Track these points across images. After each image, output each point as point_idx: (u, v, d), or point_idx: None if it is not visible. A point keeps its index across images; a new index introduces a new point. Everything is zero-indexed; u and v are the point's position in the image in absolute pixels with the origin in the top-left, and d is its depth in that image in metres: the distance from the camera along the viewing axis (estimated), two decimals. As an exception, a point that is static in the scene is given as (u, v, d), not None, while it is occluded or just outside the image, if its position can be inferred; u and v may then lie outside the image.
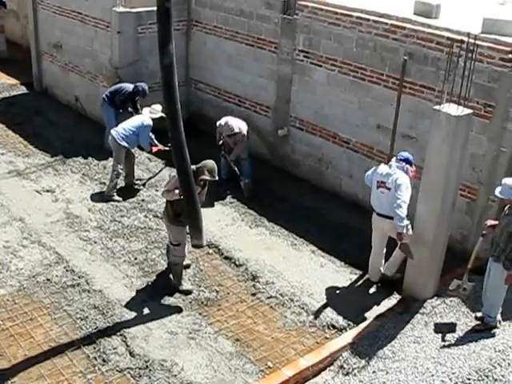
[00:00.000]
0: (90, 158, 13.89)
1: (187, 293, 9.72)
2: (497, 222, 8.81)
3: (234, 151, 12.73)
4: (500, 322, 8.93)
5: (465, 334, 8.84)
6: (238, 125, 12.69)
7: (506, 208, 8.66)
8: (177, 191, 9.19)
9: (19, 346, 8.60)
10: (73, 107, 16.57)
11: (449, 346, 8.55)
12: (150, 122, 12.49)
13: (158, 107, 12.64)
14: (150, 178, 13.12)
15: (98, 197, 12.44)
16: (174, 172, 9.51)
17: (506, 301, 9.44)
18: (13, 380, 8.02)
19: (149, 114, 12.57)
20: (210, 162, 9.42)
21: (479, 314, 9.11)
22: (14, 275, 9.98)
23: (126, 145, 12.31)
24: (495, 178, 10.11)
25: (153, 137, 12.84)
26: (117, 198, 12.39)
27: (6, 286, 9.73)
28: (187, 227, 9.51)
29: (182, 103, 15.28)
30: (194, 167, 9.25)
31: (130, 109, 13.58)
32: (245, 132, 12.75)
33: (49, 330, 8.91)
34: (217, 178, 9.47)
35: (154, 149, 12.98)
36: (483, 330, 8.81)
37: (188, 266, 10.21)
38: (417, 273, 9.42)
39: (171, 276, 9.90)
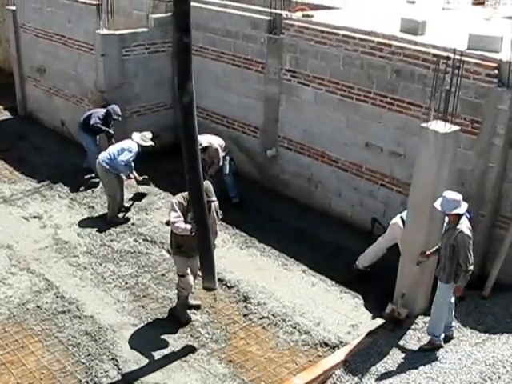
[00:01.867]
0: (77, 183, 13.83)
1: (186, 323, 9.53)
2: (432, 250, 8.93)
3: (211, 167, 12.67)
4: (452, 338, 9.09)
5: (456, 348, 8.84)
6: (208, 139, 12.58)
7: (446, 224, 8.75)
8: (183, 226, 8.88)
9: (11, 374, 8.50)
10: (59, 131, 16.54)
11: (440, 361, 8.57)
12: (135, 148, 12.39)
13: (148, 135, 12.62)
14: (132, 204, 13.07)
15: (92, 222, 12.43)
16: (172, 198, 9.24)
17: (495, 315, 9.57)
18: (5, 409, 7.95)
19: (139, 141, 12.48)
20: (205, 183, 9.17)
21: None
22: (4, 303, 9.88)
23: (111, 170, 12.26)
24: (484, 193, 10.19)
25: (132, 165, 12.62)
26: (121, 219, 12.40)
27: (-5, 314, 9.66)
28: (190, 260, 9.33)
29: (170, 126, 15.61)
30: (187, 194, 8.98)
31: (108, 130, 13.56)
32: (217, 146, 12.64)
33: (40, 357, 8.81)
34: (214, 199, 9.15)
35: (131, 175, 12.71)
36: (431, 350, 8.87)
37: (198, 307, 9.92)
38: (412, 286, 9.41)
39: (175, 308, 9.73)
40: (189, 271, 9.38)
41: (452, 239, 8.46)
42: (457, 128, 8.93)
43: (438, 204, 8.48)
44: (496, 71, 9.77)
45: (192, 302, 9.90)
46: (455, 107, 8.77)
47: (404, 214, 9.90)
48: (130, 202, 13.07)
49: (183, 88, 8.03)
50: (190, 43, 7.88)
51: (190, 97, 8.05)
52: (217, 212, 9.40)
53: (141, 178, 12.76)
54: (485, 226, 10.32)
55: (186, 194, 9.01)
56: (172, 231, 9.16)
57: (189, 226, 8.82)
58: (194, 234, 8.77)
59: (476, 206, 10.28)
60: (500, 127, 9.82)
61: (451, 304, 9.01)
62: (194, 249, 9.09)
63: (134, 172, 12.65)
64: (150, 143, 12.41)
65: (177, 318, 9.56)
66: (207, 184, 9.19)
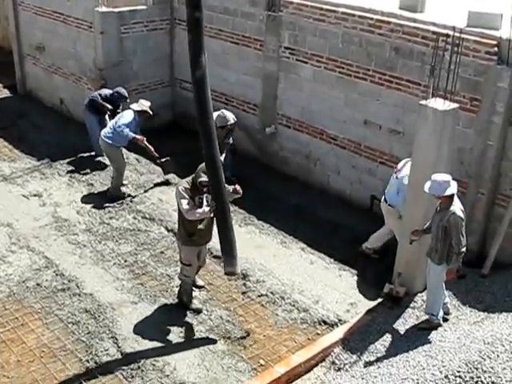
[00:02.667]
0: (76, 161, 13.83)
1: (198, 311, 9.39)
2: (424, 228, 8.89)
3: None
4: (449, 314, 9.12)
5: (455, 327, 8.87)
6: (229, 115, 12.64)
7: (438, 205, 8.64)
8: (200, 211, 8.65)
9: (11, 351, 8.56)
10: (58, 110, 16.48)
11: (439, 340, 8.59)
12: (131, 115, 12.36)
13: (145, 103, 12.55)
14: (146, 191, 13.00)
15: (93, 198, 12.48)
16: (178, 185, 8.92)
17: (494, 293, 9.57)
18: (6, 386, 8.01)
19: (135, 107, 12.44)
20: (202, 165, 8.81)
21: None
22: (4, 281, 9.92)
23: (114, 143, 12.27)
24: (483, 172, 10.18)
25: (131, 134, 12.40)
26: (122, 194, 12.46)
27: (-5, 292, 9.71)
28: (201, 249, 9.28)
29: (168, 103, 15.58)
30: (191, 177, 8.83)
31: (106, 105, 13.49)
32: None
33: (40, 335, 8.87)
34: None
35: (139, 137, 12.47)
36: (428, 329, 8.88)
37: (202, 287, 9.92)
38: (408, 265, 9.42)
39: (181, 295, 9.58)
40: (196, 260, 9.26)
41: (444, 221, 8.39)
42: (456, 106, 8.90)
43: (427, 188, 8.38)
44: (496, 49, 9.73)
45: (198, 282, 9.90)
46: (454, 85, 8.73)
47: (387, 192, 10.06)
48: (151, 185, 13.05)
49: (196, 62, 8.10)
50: (202, 18, 7.97)
51: (203, 71, 8.12)
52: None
53: (159, 158, 12.80)
54: (484, 204, 10.32)
55: (189, 178, 8.85)
56: (180, 221, 8.96)
57: (206, 209, 8.63)
58: (212, 213, 8.62)
59: (475, 185, 10.31)
60: (499, 105, 9.78)
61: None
62: (205, 237, 9.08)
63: (139, 137, 12.48)
64: (146, 109, 12.36)
65: (185, 306, 9.46)
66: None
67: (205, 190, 8.70)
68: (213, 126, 8.37)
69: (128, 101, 13.35)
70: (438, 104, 8.75)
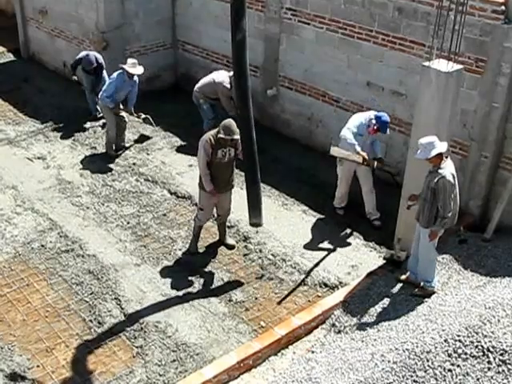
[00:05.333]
0: (79, 124, 13.83)
1: (192, 254, 9.88)
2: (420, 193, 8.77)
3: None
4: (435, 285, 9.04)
5: (455, 291, 8.89)
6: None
7: (431, 167, 8.49)
8: (209, 186, 9.36)
9: (17, 311, 8.70)
10: (60, 73, 16.42)
11: (439, 304, 8.61)
12: (115, 76, 12.40)
13: (131, 60, 12.52)
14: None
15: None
16: (203, 137, 9.38)
17: (497, 257, 9.56)
18: (13, 343, 8.16)
19: (126, 67, 12.34)
20: (226, 121, 9.27)
21: (403, 277, 9.22)
22: (9, 242, 10.03)
23: (103, 104, 12.48)
24: (487, 135, 10.10)
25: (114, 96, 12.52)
26: (114, 153, 12.60)
27: (1, 253, 9.80)
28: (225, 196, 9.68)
29: (170, 65, 15.53)
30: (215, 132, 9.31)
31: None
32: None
33: (45, 295, 8.99)
34: (235, 136, 9.10)
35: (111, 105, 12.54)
36: (422, 296, 8.86)
37: (232, 247, 10.07)
38: (407, 230, 9.41)
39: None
40: (209, 206, 9.66)
41: (433, 183, 8.29)
42: (460, 67, 8.77)
43: (417, 154, 8.33)
44: (503, 7, 9.55)
45: (228, 241, 10.11)
46: (459, 45, 8.60)
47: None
48: (131, 143, 13.07)
49: (237, 25, 8.11)
50: None
51: (243, 34, 8.13)
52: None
53: (139, 115, 12.82)
54: (488, 167, 10.26)
55: (213, 132, 9.28)
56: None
57: (210, 187, 9.32)
58: (212, 194, 9.40)
59: (478, 148, 10.25)
60: (505, 66, 9.65)
61: None
62: (224, 185, 9.51)
63: (122, 106, 12.78)
64: (127, 68, 12.27)
65: (189, 251, 9.86)
66: (228, 121, 9.28)
67: (226, 145, 9.23)
68: (249, 88, 8.50)
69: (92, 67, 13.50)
70: (442, 65, 8.64)
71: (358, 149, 10.10)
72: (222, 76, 12.84)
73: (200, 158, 9.34)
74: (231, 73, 12.44)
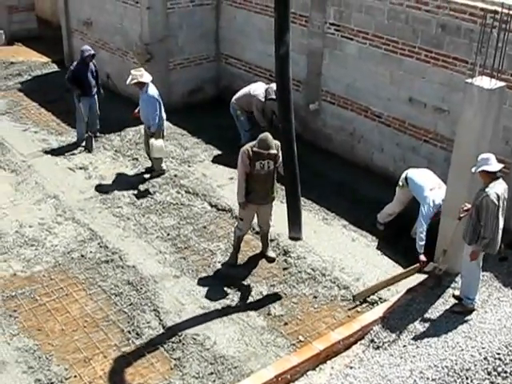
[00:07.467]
0: (122, 135, 13.98)
1: (230, 265, 9.93)
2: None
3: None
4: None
5: (496, 309, 8.80)
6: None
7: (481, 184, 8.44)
8: (240, 193, 9.50)
9: (56, 320, 8.77)
10: (104, 85, 16.50)
11: (479, 321, 8.54)
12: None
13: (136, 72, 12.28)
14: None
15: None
16: (243, 148, 9.45)
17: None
18: (51, 353, 8.20)
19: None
20: (263, 134, 9.32)
21: (457, 293, 9.09)
22: (50, 252, 10.14)
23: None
24: (529, 152, 10.01)
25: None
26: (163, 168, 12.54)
27: (41, 262, 9.90)
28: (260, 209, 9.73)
29: (213, 78, 15.62)
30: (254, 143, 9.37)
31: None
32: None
33: (84, 305, 9.06)
34: (271, 151, 9.16)
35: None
36: (462, 313, 8.77)
37: (272, 260, 10.08)
38: (448, 245, 9.31)
39: None
40: (249, 217, 9.76)
41: (478, 201, 8.27)
42: (503, 84, 8.74)
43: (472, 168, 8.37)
44: (546, 25, 9.50)
45: (269, 253, 10.13)
46: (502, 63, 8.57)
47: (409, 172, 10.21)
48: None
49: (281, 39, 8.17)
50: None
51: (287, 48, 8.19)
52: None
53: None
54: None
55: (252, 143, 9.34)
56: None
57: (241, 199, 9.49)
58: (243, 207, 9.55)
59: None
60: (549, 84, 9.58)
61: None
62: (263, 198, 9.56)
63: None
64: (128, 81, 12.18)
65: (227, 262, 9.96)
66: (264, 135, 9.31)
67: (266, 156, 9.25)
68: (291, 101, 8.55)
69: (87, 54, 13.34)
70: (485, 82, 8.61)
71: (421, 251, 9.76)
72: (259, 88, 12.93)
73: (238, 169, 9.47)
74: (270, 85, 12.51)
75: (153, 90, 12.08)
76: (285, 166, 8.99)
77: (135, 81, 12.01)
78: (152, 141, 12.04)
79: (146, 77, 12.06)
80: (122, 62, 15.75)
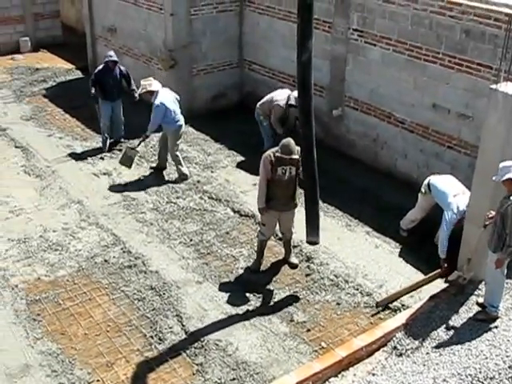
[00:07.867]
0: (146, 141, 13.96)
1: (253, 271, 9.94)
2: None
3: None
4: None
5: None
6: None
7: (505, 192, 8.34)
8: (261, 200, 9.50)
9: (79, 325, 8.82)
10: (128, 90, 16.65)
11: (504, 329, 8.47)
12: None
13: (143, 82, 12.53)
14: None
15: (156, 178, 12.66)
16: (265, 153, 9.45)
17: None
18: (74, 357, 8.25)
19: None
20: (285, 140, 9.35)
21: (480, 300, 9.01)
22: (73, 256, 10.21)
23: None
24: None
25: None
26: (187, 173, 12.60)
27: (65, 266, 9.97)
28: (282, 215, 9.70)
29: (236, 84, 15.66)
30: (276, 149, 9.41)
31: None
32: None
33: (107, 309, 9.11)
34: (293, 156, 9.17)
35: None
36: (485, 320, 8.69)
37: (295, 266, 10.08)
38: (472, 253, 9.26)
39: None
40: (272, 223, 9.76)
41: (503, 208, 8.20)
42: (528, 90, 8.69)
43: (494, 176, 8.26)
44: None
45: (292, 259, 10.13)
46: (527, 69, 8.54)
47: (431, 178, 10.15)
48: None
49: (303, 45, 8.17)
50: (313, 2, 7.97)
51: (309, 54, 8.18)
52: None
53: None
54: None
55: (274, 149, 9.38)
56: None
57: (261, 205, 9.51)
58: (262, 213, 9.59)
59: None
60: None
61: None
62: (284, 204, 9.54)
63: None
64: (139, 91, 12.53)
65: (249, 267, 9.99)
66: (286, 140, 9.33)
67: (288, 162, 9.25)
68: (312, 107, 8.55)
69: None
70: (510, 88, 8.55)
71: (443, 256, 9.84)
72: (282, 95, 12.93)
73: (260, 174, 9.49)
74: (294, 92, 12.49)
75: (162, 98, 12.26)
76: (304, 170, 9.03)
77: (144, 90, 12.26)
78: (129, 148, 12.63)
79: (155, 85, 12.32)
80: (146, 67, 15.83)
